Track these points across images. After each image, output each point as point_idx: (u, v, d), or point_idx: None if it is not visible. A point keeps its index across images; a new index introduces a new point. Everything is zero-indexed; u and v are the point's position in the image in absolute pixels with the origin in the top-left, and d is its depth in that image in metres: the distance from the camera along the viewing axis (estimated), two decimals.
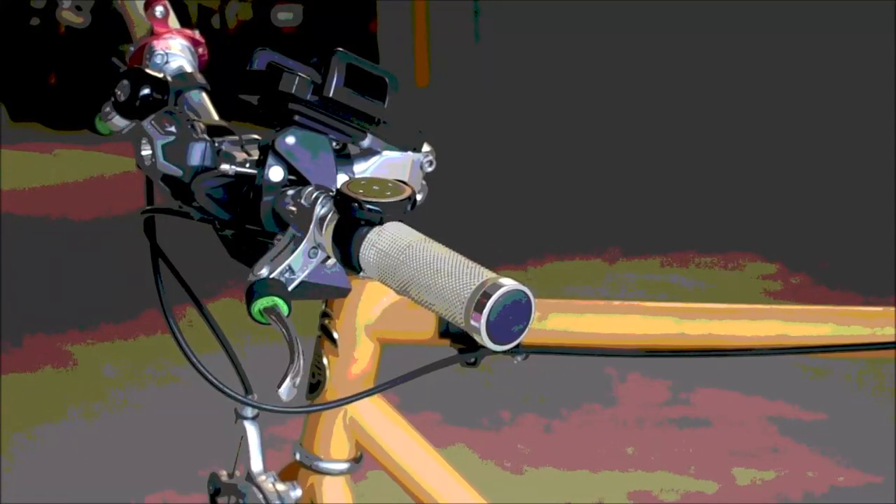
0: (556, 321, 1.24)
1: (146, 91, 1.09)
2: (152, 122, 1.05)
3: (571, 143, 6.77)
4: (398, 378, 1.19)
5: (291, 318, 0.94)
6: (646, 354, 1.25)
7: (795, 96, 7.23)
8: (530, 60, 7.94)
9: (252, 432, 1.16)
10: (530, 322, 0.82)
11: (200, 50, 1.21)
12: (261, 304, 0.93)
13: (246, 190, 1.01)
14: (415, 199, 0.93)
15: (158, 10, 1.21)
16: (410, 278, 0.85)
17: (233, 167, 1.02)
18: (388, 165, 1.06)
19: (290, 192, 0.99)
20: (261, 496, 1.16)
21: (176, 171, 1.03)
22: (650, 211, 5.64)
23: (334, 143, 1.03)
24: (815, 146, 6.54)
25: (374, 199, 0.90)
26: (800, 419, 3.55)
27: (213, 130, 1.06)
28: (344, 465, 1.29)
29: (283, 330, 0.93)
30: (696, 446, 3.41)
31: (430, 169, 1.09)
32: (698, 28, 7.66)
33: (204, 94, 1.15)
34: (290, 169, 1.01)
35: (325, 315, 1.29)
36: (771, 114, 7.10)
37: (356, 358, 1.27)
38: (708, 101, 7.33)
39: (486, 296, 0.80)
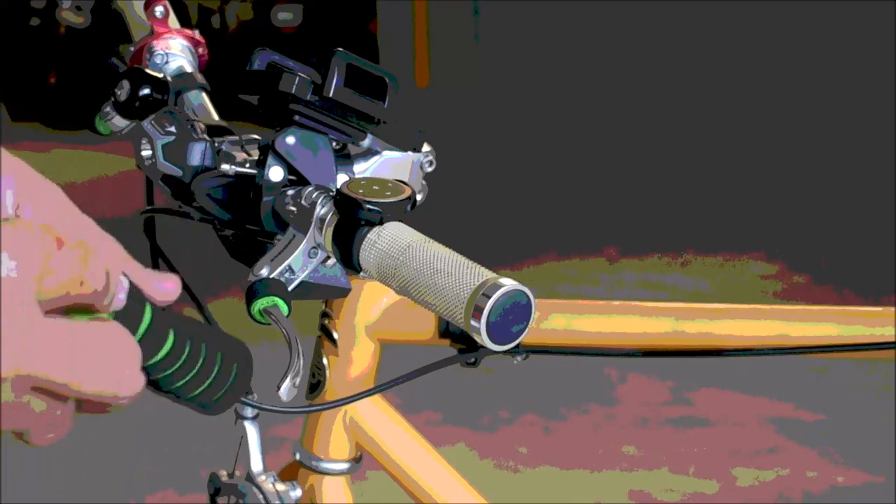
0: (556, 321, 1.24)
1: (146, 91, 1.09)
2: (152, 122, 1.05)
3: (571, 143, 6.77)
4: (398, 378, 1.19)
5: (291, 318, 0.94)
6: (646, 354, 1.25)
7: (796, 96, 7.23)
8: (530, 60, 7.94)
9: (252, 432, 1.16)
10: (530, 322, 0.82)
11: (200, 50, 1.21)
12: (261, 304, 0.93)
13: (246, 190, 1.01)
14: (415, 200, 0.93)
15: (158, 10, 1.21)
16: (410, 278, 0.85)
17: (233, 167, 1.02)
18: (389, 165, 1.06)
19: (290, 192, 0.99)
20: (261, 496, 1.16)
21: (176, 171, 1.03)
22: (651, 210, 5.64)
23: (334, 143, 1.03)
24: (816, 146, 6.54)
25: (374, 200, 0.90)
26: (800, 419, 3.55)
27: (213, 130, 1.06)
28: (344, 465, 1.29)
29: (283, 330, 0.93)
30: (696, 446, 3.41)
31: (430, 169, 1.09)
32: (699, 28, 7.66)
33: (204, 94, 1.15)
34: (290, 169, 1.01)
35: (325, 315, 1.29)
36: (771, 113, 7.10)
37: (356, 358, 1.27)
38: (709, 100, 7.33)
39: (486, 296, 0.80)
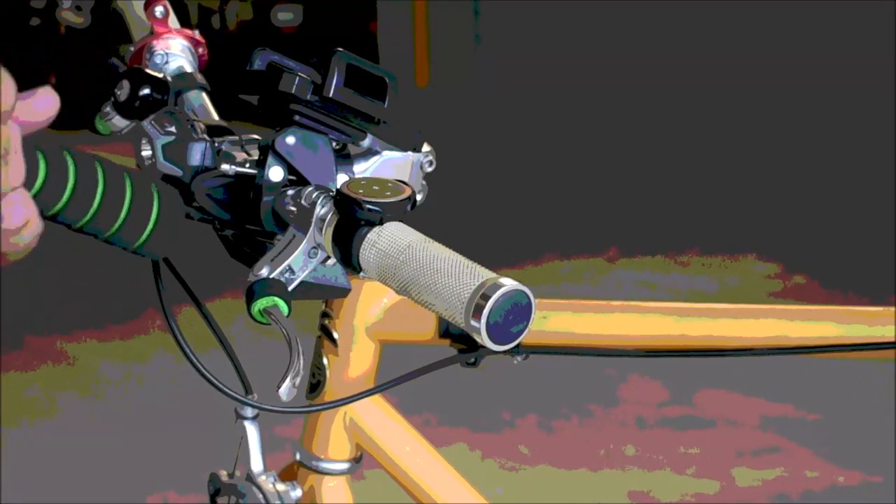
0: (556, 321, 1.24)
1: (146, 91, 1.09)
2: (152, 122, 1.05)
3: (571, 143, 6.77)
4: (398, 378, 1.19)
5: (291, 318, 0.94)
6: (646, 354, 1.25)
7: (795, 96, 7.23)
8: (530, 61, 7.93)
9: (252, 432, 1.16)
10: (530, 322, 0.82)
11: (200, 50, 1.21)
12: (261, 304, 0.93)
13: (246, 190, 1.01)
14: (415, 200, 0.93)
15: (158, 10, 1.20)
16: (410, 278, 0.85)
17: (233, 167, 1.02)
18: (389, 165, 1.06)
19: (290, 192, 0.99)
20: (261, 496, 1.16)
21: (176, 171, 1.03)
22: (650, 211, 5.64)
23: (334, 143, 1.03)
24: (816, 146, 6.54)
25: (374, 200, 0.90)
26: (800, 419, 3.55)
27: (213, 130, 1.06)
28: (344, 465, 1.29)
29: (283, 330, 0.93)
30: (696, 446, 3.41)
31: (430, 169, 1.09)
32: (699, 28, 7.66)
33: (204, 94, 1.15)
34: (290, 169, 1.01)
35: (325, 315, 1.29)
36: (770, 114, 7.10)
37: (356, 358, 1.27)
38: (708, 101, 7.33)
39: (486, 296, 0.80)
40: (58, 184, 0.79)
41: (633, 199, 5.82)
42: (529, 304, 0.81)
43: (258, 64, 1.02)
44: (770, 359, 1.24)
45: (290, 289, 0.95)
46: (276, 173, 1.00)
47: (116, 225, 0.84)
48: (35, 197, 0.76)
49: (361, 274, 0.91)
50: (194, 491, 3.03)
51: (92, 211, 0.82)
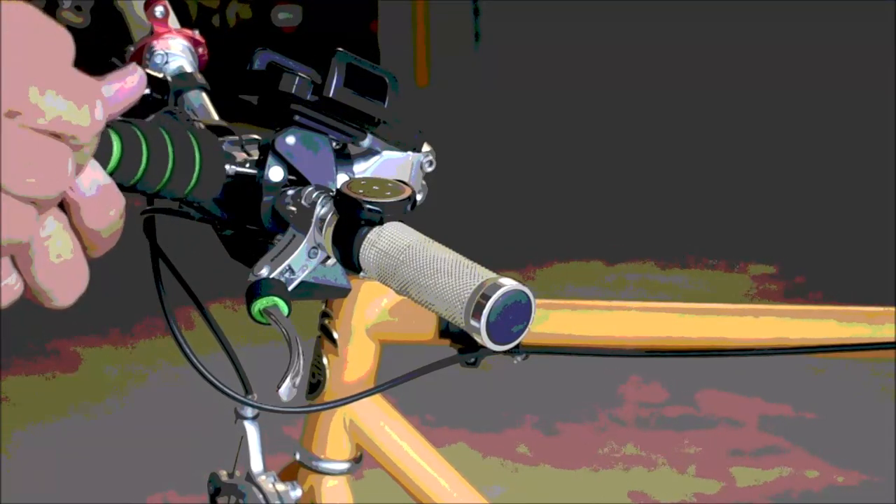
0: (556, 321, 1.24)
1: (146, 91, 1.08)
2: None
3: (572, 145, 6.77)
4: (398, 378, 1.19)
5: (291, 318, 0.94)
6: (646, 354, 1.25)
7: (795, 99, 7.23)
8: (531, 61, 7.94)
9: (252, 432, 1.17)
10: (530, 322, 0.81)
11: (200, 50, 1.21)
12: (261, 304, 0.93)
13: (246, 190, 1.01)
14: (415, 200, 0.93)
15: (158, 10, 1.20)
16: (410, 278, 0.85)
17: (233, 167, 1.02)
18: (389, 165, 1.06)
19: (290, 192, 0.99)
20: (261, 496, 1.16)
21: None
22: (651, 213, 5.64)
23: (334, 143, 1.03)
24: (815, 149, 6.54)
25: (374, 199, 0.90)
26: (800, 419, 3.55)
27: (213, 130, 1.05)
28: (344, 465, 1.29)
29: (283, 330, 0.93)
30: (696, 446, 3.41)
31: (430, 169, 1.09)
32: (700, 31, 7.66)
33: (204, 94, 1.15)
34: (290, 169, 1.01)
35: (325, 315, 1.29)
36: (770, 116, 7.10)
37: (356, 358, 1.27)
38: (708, 103, 7.33)
39: (486, 296, 0.80)
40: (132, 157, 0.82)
41: (634, 201, 5.82)
42: (529, 304, 0.81)
43: (258, 64, 1.02)
44: (770, 359, 1.24)
45: (290, 289, 0.95)
46: (276, 173, 1.00)
47: (166, 177, 0.86)
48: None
49: (361, 274, 0.91)
50: (195, 491, 3.03)
51: (142, 169, 0.84)
